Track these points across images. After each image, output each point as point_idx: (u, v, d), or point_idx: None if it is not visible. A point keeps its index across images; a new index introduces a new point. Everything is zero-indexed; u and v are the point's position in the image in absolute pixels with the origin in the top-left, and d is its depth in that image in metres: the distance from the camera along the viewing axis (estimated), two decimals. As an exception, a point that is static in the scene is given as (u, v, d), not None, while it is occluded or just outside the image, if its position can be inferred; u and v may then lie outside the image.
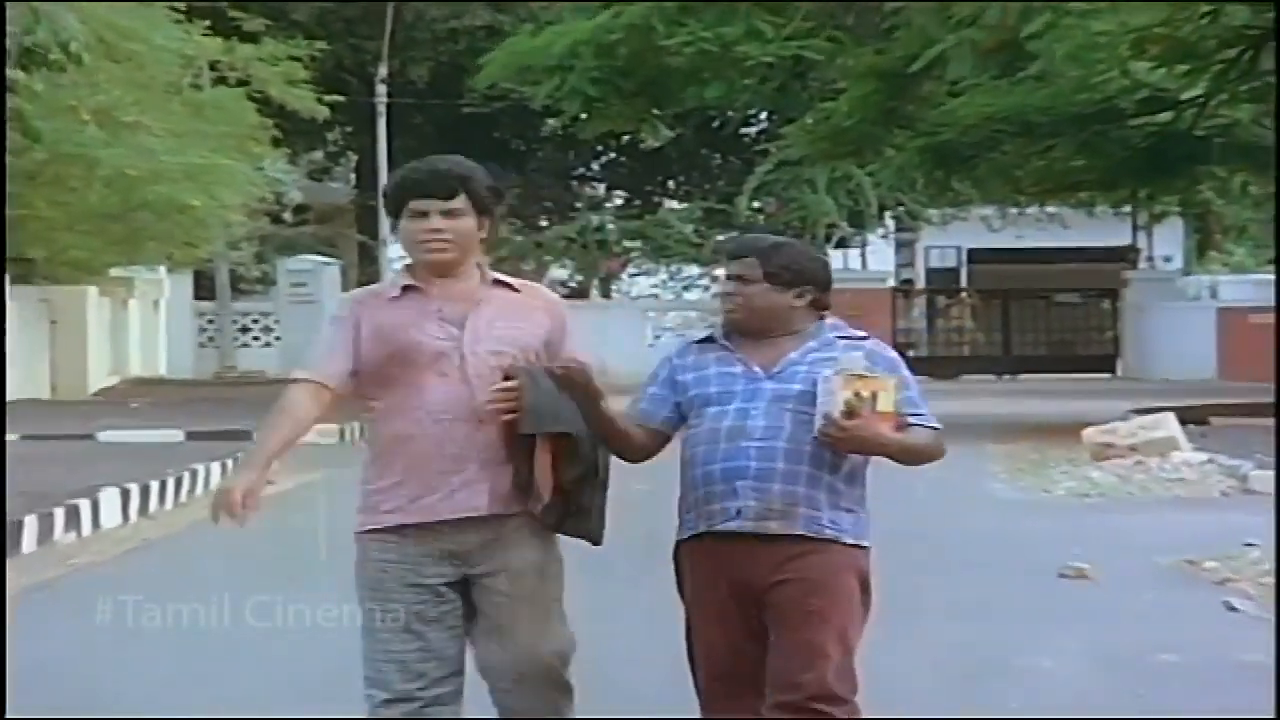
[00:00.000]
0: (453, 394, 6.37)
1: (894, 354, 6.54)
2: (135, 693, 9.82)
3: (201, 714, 9.32)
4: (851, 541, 6.34)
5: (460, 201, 6.47)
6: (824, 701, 6.17)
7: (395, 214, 6.55)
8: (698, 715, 6.53)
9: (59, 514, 16.69)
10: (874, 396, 6.15)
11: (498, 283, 6.58)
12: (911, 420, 6.36)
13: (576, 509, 6.43)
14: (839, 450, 6.23)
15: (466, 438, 6.35)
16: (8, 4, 23.76)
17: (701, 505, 6.33)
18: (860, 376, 6.18)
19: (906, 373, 6.48)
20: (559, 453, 6.34)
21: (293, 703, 9.30)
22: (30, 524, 15.95)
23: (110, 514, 17.85)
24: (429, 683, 6.36)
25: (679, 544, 6.46)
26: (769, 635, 6.28)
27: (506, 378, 6.35)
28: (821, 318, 6.49)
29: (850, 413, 6.12)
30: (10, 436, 25.41)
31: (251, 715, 9.21)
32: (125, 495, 18.39)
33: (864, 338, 6.50)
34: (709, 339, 6.56)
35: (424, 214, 6.46)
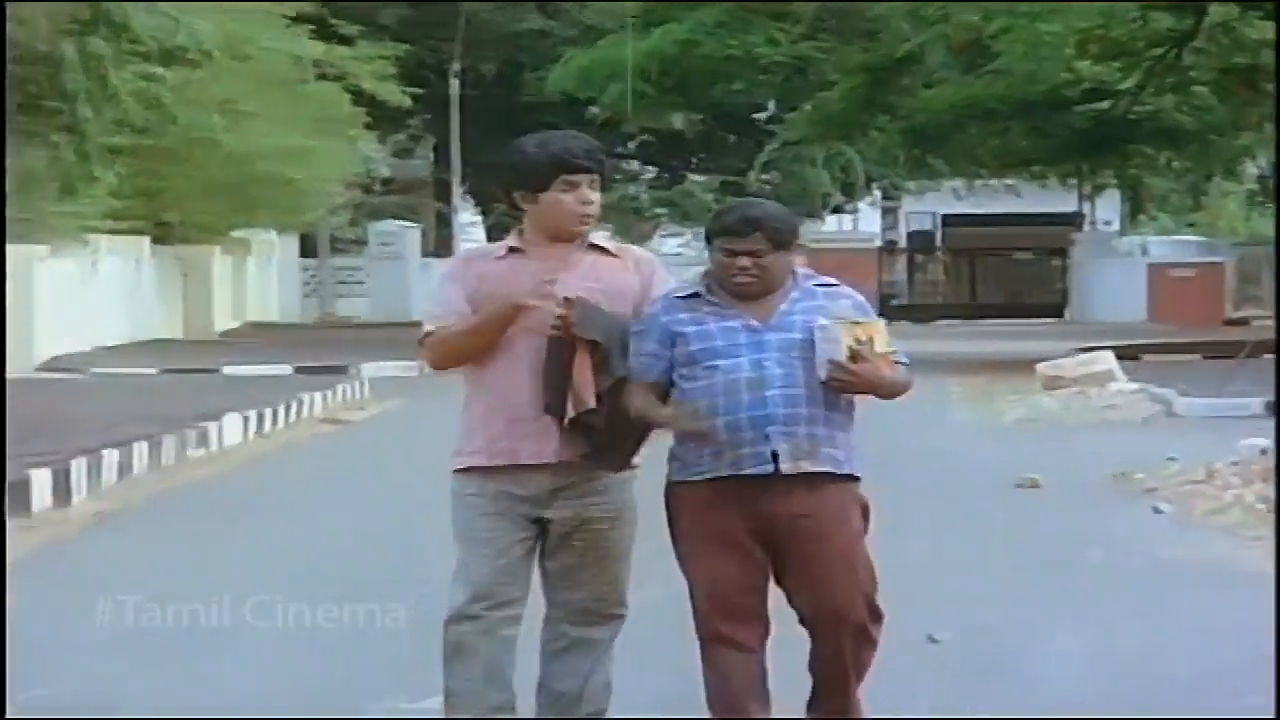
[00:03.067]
0: (534, 346, 5.83)
1: (864, 299, 6.00)
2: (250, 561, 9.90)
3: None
4: (854, 474, 5.89)
5: (597, 176, 5.97)
6: (872, 620, 5.88)
7: (537, 187, 5.89)
8: (697, 715, 6.04)
9: (191, 434, 16.79)
10: (870, 340, 5.72)
11: (594, 247, 6.00)
12: (896, 360, 5.89)
13: (609, 431, 5.82)
14: (846, 392, 5.75)
15: (539, 387, 5.84)
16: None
17: (726, 451, 5.71)
18: (856, 323, 5.74)
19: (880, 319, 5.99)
20: (595, 365, 5.79)
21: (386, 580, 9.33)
22: (168, 442, 16.04)
23: (233, 434, 17.93)
24: (495, 604, 5.88)
25: (679, 485, 5.84)
26: (786, 568, 5.83)
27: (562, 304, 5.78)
28: (793, 269, 5.93)
29: (854, 356, 5.66)
30: (150, 370, 25.58)
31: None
32: (245, 419, 18.47)
33: (834, 284, 5.98)
34: (695, 294, 5.88)
35: (576, 186, 5.88)
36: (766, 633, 5.90)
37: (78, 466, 13.75)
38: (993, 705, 7.22)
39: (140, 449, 15.34)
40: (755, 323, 5.78)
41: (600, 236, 6.12)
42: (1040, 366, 22.97)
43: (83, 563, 11.02)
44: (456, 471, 5.99)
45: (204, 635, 8.48)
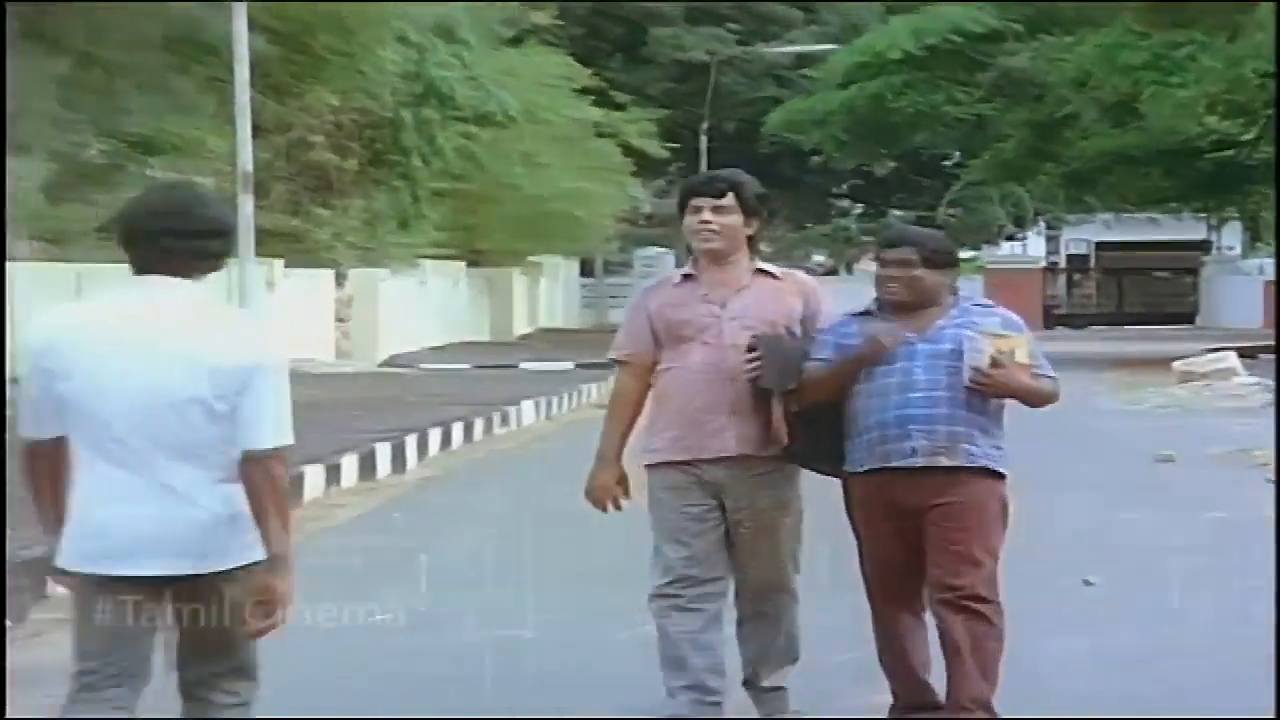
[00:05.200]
0: (711, 357, 5.42)
1: (1019, 319, 5.52)
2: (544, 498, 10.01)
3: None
4: (997, 470, 5.38)
5: (729, 201, 5.47)
6: (977, 601, 5.28)
7: (681, 212, 5.57)
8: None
9: (496, 415, 17.02)
10: (1013, 351, 5.30)
11: (761, 272, 5.56)
12: (1038, 371, 5.40)
13: (813, 448, 5.44)
14: (987, 395, 5.31)
15: (718, 392, 5.41)
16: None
17: (877, 446, 5.33)
18: (1000, 335, 5.32)
19: (1030, 335, 5.51)
20: (788, 404, 5.41)
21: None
22: (478, 423, 16.27)
23: (528, 416, 18.15)
24: (689, 584, 5.46)
25: (849, 478, 5.44)
26: (926, 549, 5.36)
27: (751, 348, 5.38)
28: (954, 292, 5.47)
29: (995, 364, 5.26)
30: (464, 365, 25.90)
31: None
32: (537, 404, 18.68)
33: (990, 305, 5.57)
34: (868, 311, 5.49)
35: (699, 209, 5.48)
36: (924, 607, 5.46)
37: (410, 440, 14.01)
38: (1141, 629, 7.13)
39: (458, 427, 15.60)
40: (912, 335, 5.35)
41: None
42: (1175, 364, 22.57)
43: (415, 514, 11.24)
44: (647, 467, 5.57)
45: (508, 566, 8.63)
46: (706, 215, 5.47)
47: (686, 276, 5.57)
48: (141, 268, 4.13)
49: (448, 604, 7.82)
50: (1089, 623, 7.25)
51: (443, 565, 8.67)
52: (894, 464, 5.32)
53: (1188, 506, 11.03)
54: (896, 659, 5.52)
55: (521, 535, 9.82)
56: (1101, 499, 11.36)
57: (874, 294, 5.51)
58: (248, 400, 4.03)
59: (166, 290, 4.11)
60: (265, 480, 4.04)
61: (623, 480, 5.58)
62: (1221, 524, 10.26)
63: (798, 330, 5.49)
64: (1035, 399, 5.44)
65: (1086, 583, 8.19)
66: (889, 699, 5.60)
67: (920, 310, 5.39)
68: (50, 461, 4.16)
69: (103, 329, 4.11)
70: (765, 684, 5.60)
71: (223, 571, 4.09)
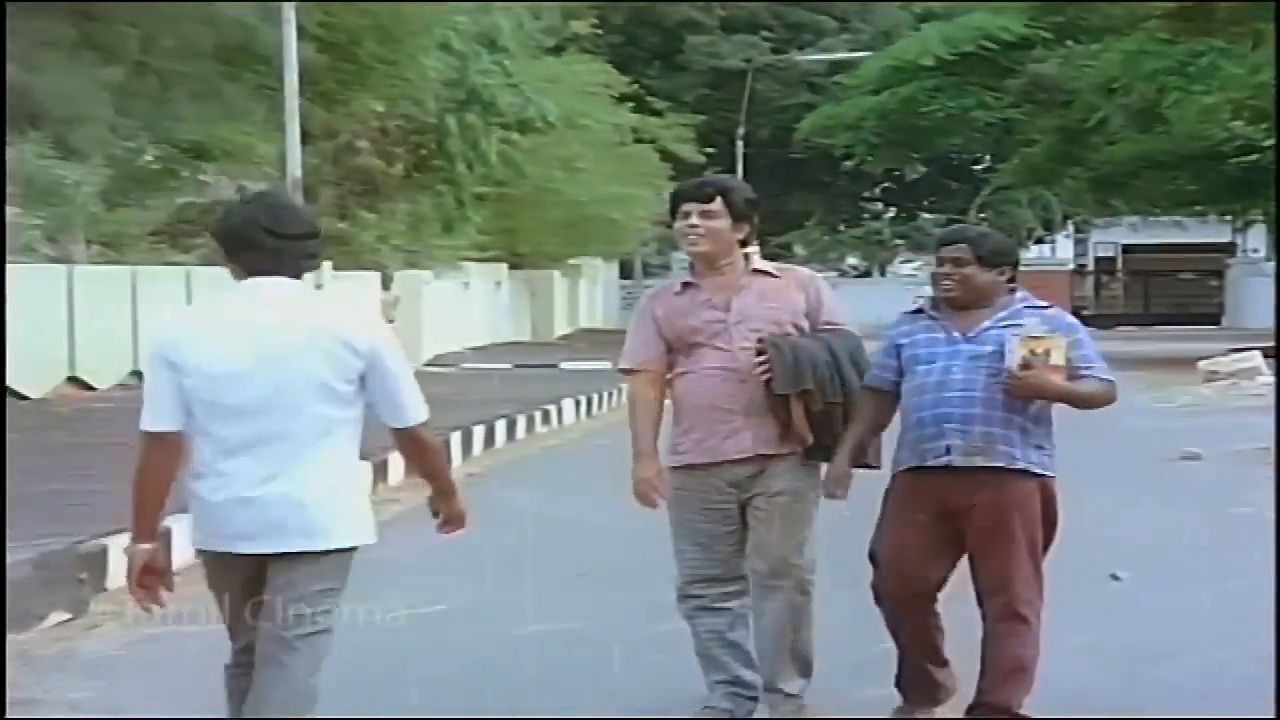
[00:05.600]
0: (723, 360, 5.36)
1: (1073, 319, 5.39)
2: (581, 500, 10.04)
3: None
4: (1038, 471, 5.23)
5: (717, 205, 5.36)
6: (1021, 603, 5.17)
7: (673, 216, 5.46)
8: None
9: (538, 414, 17.06)
10: (1047, 353, 5.09)
11: (759, 272, 5.46)
12: (1083, 372, 5.20)
13: (833, 443, 5.39)
14: (1017, 396, 5.14)
15: (733, 393, 5.35)
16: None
17: (915, 445, 5.24)
18: (1036, 337, 5.12)
19: (1084, 334, 5.32)
20: (808, 403, 5.32)
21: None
22: (521, 421, 16.32)
23: (569, 414, 18.19)
24: (710, 583, 5.45)
25: (895, 475, 5.36)
26: (958, 551, 5.28)
27: (760, 352, 5.32)
28: (1012, 291, 5.35)
29: (1026, 366, 5.08)
30: (506, 365, 25.98)
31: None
32: (578, 403, 18.71)
33: (1047, 306, 5.36)
34: (919, 310, 5.42)
35: (688, 214, 5.39)
36: (932, 602, 5.37)
37: (454, 438, 14.05)
38: (1144, 627, 7.11)
39: (500, 425, 15.64)
40: (958, 334, 5.27)
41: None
42: (1201, 363, 22.55)
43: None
44: (671, 469, 5.50)
45: (544, 559, 8.67)
46: (694, 219, 5.40)
47: (686, 285, 5.51)
48: (255, 269, 4.36)
49: (484, 600, 7.86)
50: (1091, 620, 7.17)
51: (477, 562, 8.70)
52: (930, 463, 5.23)
53: (1208, 504, 11.01)
54: (907, 643, 5.46)
55: (558, 534, 9.85)
56: (1125, 496, 11.34)
57: (901, 295, 5.52)
58: (379, 384, 4.40)
59: (281, 288, 4.35)
60: (418, 449, 4.60)
61: (662, 474, 5.51)
62: (1240, 521, 10.24)
63: (805, 325, 5.44)
64: (1076, 402, 5.26)
65: (1114, 577, 8.17)
66: (888, 696, 5.57)
67: (973, 309, 5.29)
68: (167, 454, 4.34)
69: (226, 326, 4.34)
70: (783, 689, 5.49)
71: (327, 550, 4.34)
